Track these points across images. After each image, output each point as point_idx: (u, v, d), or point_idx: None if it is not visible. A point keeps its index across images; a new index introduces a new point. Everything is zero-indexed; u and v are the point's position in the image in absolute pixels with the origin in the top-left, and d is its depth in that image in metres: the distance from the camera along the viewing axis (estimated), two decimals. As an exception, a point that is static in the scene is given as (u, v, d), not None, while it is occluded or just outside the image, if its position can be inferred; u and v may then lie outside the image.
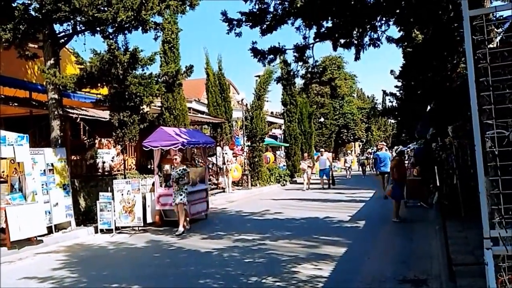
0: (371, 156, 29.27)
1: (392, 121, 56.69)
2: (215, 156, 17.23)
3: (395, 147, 9.65)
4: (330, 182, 18.76)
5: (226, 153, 17.20)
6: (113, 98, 9.38)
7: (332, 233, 8.26)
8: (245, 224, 9.82)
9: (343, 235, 8.04)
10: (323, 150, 19.94)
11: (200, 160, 16.46)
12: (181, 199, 8.99)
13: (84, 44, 10.97)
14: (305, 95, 29.34)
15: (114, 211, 9.21)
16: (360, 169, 27.59)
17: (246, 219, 10.67)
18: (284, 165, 24.50)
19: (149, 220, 9.71)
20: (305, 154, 20.32)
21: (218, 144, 17.15)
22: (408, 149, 16.69)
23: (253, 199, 15.83)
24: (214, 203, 13.94)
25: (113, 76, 8.85)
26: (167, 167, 11.66)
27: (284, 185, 21.40)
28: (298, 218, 10.28)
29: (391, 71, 19.06)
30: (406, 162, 16.65)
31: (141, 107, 9.84)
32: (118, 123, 9.63)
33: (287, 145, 24.65)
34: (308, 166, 18.57)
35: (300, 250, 6.91)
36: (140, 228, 9.37)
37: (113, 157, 12.09)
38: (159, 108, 13.69)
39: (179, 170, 9.07)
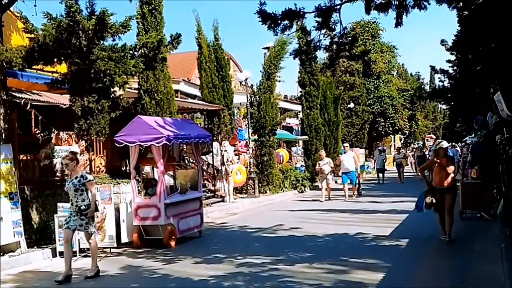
0: (415, 154, 28.95)
1: (443, 106, 56.69)
2: (211, 154, 17.19)
3: (437, 141, 9.37)
4: (356, 190, 17.99)
5: (225, 151, 17.18)
6: (74, 78, 9.34)
7: (365, 254, 8.23)
8: (251, 244, 9.80)
9: (380, 256, 8.01)
10: (347, 146, 19.22)
11: (191, 160, 16.47)
12: (87, 229, 7.63)
13: (35, 6, 10.81)
14: (329, 73, 29.20)
15: (78, 227, 9.17)
16: (397, 171, 26.19)
17: (252, 236, 10.68)
18: (302, 166, 24.45)
19: (124, 239, 9.74)
20: (321, 152, 18.77)
21: (215, 138, 17.12)
22: (459, 145, 16.54)
23: (262, 210, 15.85)
24: (210, 216, 13.97)
25: (74, 49, 8.81)
26: (147, 169, 11.65)
27: (302, 191, 21.37)
28: (321, 234, 10.29)
29: (442, 41, 18.86)
30: (460, 159, 16.52)
31: (112, 90, 9.78)
32: (82, 111, 9.59)
33: (306, 139, 24.56)
34: (325, 168, 17.49)
35: (324, 277, 6.88)
36: (112, 249, 9.37)
37: (76, 157, 11.97)
38: (136, 91, 13.66)
39: (75, 180, 7.66)
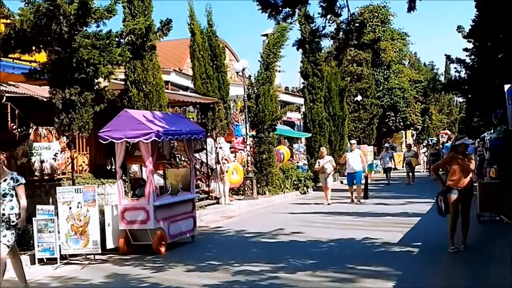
0: (428, 151, 28.77)
1: (460, 99, 56.69)
2: (205, 152, 17.19)
3: (458, 136, 9.18)
4: (363, 193, 17.34)
5: (220, 148, 17.18)
6: (54, 68, 9.32)
7: (374, 260, 8.22)
8: (249, 250, 9.81)
9: (389, 263, 8.01)
10: (354, 143, 18.47)
11: (183, 158, 16.44)
12: (9, 241, 7.03)
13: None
14: (334, 63, 29.18)
15: (59, 232, 9.21)
16: (406, 170, 25.56)
17: (250, 242, 10.68)
18: (304, 165, 24.45)
19: (110, 245, 9.74)
20: (322, 149, 18.14)
21: (209, 134, 17.10)
22: (477, 143, 16.46)
23: (261, 213, 15.88)
24: (204, 219, 13.98)
25: (54, 36, 8.79)
26: (135, 168, 11.64)
27: (304, 193, 21.40)
28: (325, 240, 10.30)
29: (459, 28, 18.84)
30: (476, 157, 16.48)
31: (96, 81, 9.77)
32: (63, 104, 9.58)
33: (309, 135, 24.58)
34: (328, 167, 16.92)
35: (328, 286, 6.88)
36: (97, 256, 9.37)
37: (56, 154, 12.06)
38: (123, 83, 13.65)
39: (4, 182, 7.15)
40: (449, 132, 66.22)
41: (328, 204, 16.49)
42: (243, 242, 10.64)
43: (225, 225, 13.24)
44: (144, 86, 13.41)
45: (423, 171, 33.29)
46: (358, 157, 17.22)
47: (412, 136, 54.03)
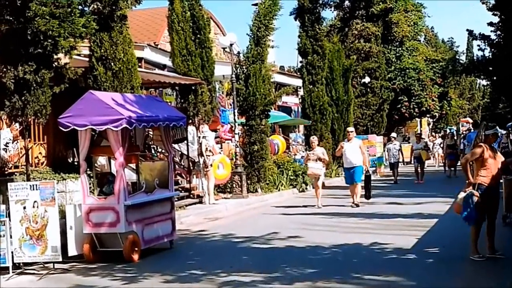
0: (444, 142, 28.48)
1: (483, 82, 57.06)
2: (185, 142, 17.13)
3: (487, 124, 9.07)
4: (365, 193, 16.46)
5: (204, 137, 17.16)
6: (5, 42, 9.24)
7: (384, 269, 8.24)
8: (238, 257, 9.81)
9: (402, 272, 8.02)
10: (352, 130, 17.00)
11: (160, 150, 16.35)
12: None
13: None
14: (337, 38, 29.17)
15: (11, 236, 9.14)
16: (414, 166, 24.63)
17: (239, 248, 10.68)
18: (303, 157, 24.46)
19: (72, 251, 9.70)
20: (313, 139, 17.08)
21: (190, 121, 17.04)
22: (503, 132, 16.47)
23: (252, 214, 15.87)
24: (185, 221, 13.97)
25: (5, 2, 8.65)
26: (102, 160, 11.57)
27: (303, 190, 21.44)
28: (327, 245, 10.30)
29: (483, -2, 18.91)
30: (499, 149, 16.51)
31: (56, 57, 9.67)
32: (15, 84, 9.51)
33: (308, 123, 24.57)
34: (318, 161, 16.11)
35: (331, 301, 6.89)
36: (57, 265, 9.30)
37: (6, 144, 12.00)
38: (87, 59, 13.56)
39: None
40: (470, 120, 66.93)
41: (319, 207, 15.95)
42: (231, 248, 10.62)
43: (210, 228, 13.23)
44: (112, 64, 13.33)
45: (437, 165, 33.27)
46: (357, 148, 16.13)
47: (428, 124, 54.33)
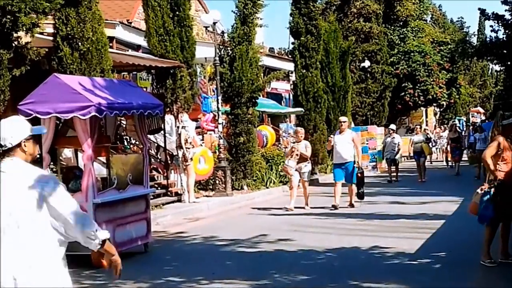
0: (447, 135, 28.31)
1: (496, 67, 57.19)
2: (162, 133, 17.07)
3: (499, 114, 9.07)
4: (356, 193, 15.87)
5: (184, 127, 17.10)
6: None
7: (385, 276, 8.27)
8: (221, 262, 9.81)
9: (405, 279, 8.06)
10: (344, 121, 16.50)
11: (133, 141, 16.28)
12: None
13: None
14: (333, 17, 29.15)
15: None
16: (415, 162, 24.34)
17: (223, 252, 10.69)
18: (294, 150, 24.47)
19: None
20: (299, 129, 16.88)
21: (168, 109, 16.97)
22: None
23: (237, 214, 15.89)
24: (162, 222, 13.95)
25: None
26: (68, 153, 11.49)
27: (295, 187, 21.44)
28: (322, 249, 10.33)
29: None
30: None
31: (15, 35, 9.57)
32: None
33: (301, 112, 24.56)
34: (297, 157, 15.65)
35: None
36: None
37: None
38: (52, 38, 13.47)
39: None
40: (481, 110, 67.20)
41: (287, 209, 15.60)
42: (214, 253, 10.62)
43: (190, 229, 13.21)
44: (80, 44, 13.28)
45: (437, 158, 33.12)
46: (350, 141, 15.72)
47: (435, 114, 54.51)
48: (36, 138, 4.15)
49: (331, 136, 16.70)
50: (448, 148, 28.42)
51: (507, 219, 8.79)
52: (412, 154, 25.29)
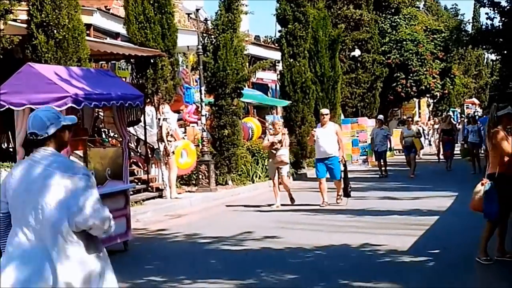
0: (439, 127, 28.07)
1: (492, 57, 57.44)
2: (143, 125, 17.03)
3: (494, 106, 9.10)
4: (342, 190, 15.57)
5: (165, 120, 17.08)
6: None
7: (376, 275, 8.30)
8: (205, 261, 9.80)
9: (397, 278, 8.09)
10: (326, 113, 16.17)
11: (112, 134, 16.21)
12: None
13: None
14: (322, 3, 29.09)
15: None
16: (405, 157, 24.21)
17: (206, 250, 10.69)
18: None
19: (7, 254, 9.54)
20: (277, 121, 17.02)
21: (149, 100, 16.93)
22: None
23: (221, 211, 15.91)
24: (142, 219, 13.98)
25: None
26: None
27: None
28: (310, 247, 10.34)
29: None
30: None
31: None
32: None
33: (288, 103, 24.56)
34: (275, 148, 15.42)
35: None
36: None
37: None
38: (25, 26, 13.38)
39: None
40: (476, 101, 67.45)
41: (272, 205, 15.62)
42: (197, 251, 10.59)
43: (172, 227, 13.20)
44: (55, 31, 13.24)
45: (427, 149, 32.86)
46: (333, 134, 15.48)
47: (428, 106, 54.68)
48: (68, 128, 4.32)
49: (314, 129, 16.54)
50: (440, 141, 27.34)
51: (506, 214, 8.85)
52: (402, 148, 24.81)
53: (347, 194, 15.52)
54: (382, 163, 23.52)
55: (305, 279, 8.30)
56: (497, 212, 8.60)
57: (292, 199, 15.85)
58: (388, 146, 23.93)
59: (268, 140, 15.91)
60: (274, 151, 15.56)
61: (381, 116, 25.77)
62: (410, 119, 27.37)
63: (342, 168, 15.56)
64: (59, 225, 4.08)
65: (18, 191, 4.19)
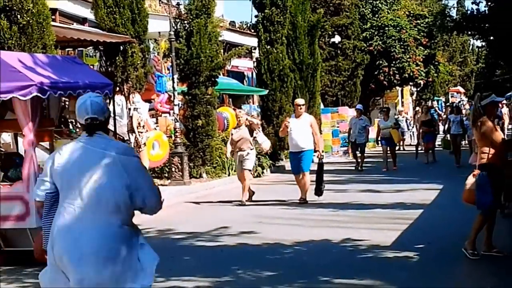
0: (419, 118, 27.47)
1: (478, 43, 57.95)
2: (112, 115, 16.96)
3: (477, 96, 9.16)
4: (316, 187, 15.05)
5: (136, 109, 17.05)
6: None
7: (358, 271, 8.34)
8: (179, 258, 9.83)
9: (380, 275, 8.14)
10: (301, 102, 15.80)
11: (79, 125, 16.10)
12: None
13: None
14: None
15: None
16: (382, 150, 23.38)
17: (180, 246, 10.76)
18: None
19: (-31, 251, 9.55)
20: (240, 113, 16.70)
21: (119, 89, 16.86)
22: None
23: (196, 205, 15.98)
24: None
25: None
26: (6, 137, 11.38)
27: (259, 175, 21.51)
28: (289, 242, 10.37)
29: None
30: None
31: None
32: None
33: (265, 92, 24.58)
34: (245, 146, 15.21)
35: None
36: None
37: None
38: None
39: None
40: (462, 90, 67.96)
41: (244, 203, 15.20)
42: (170, 247, 10.60)
43: (143, 222, 12.94)
44: (19, 16, 13.07)
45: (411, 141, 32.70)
46: (308, 126, 15.02)
47: (412, 94, 54.97)
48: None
49: (287, 120, 15.76)
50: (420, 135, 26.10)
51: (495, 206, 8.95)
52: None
53: (318, 193, 15.06)
54: (359, 156, 23.07)
55: (284, 276, 8.32)
56: (491, 203, 8.70)
57: (250, 194, 15.57)
58: (366, 137, 23.51)
59: (232, 138, 15.69)
60: (237, 150, 15.46)
61: (359, 106, 25.31)
62: (385, 109, 26.16)
63: (316, 162, 15.19)
64: (115, 203, 4.71)
65: (72, 173, 4.71)
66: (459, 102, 54.06)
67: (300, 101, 16.13)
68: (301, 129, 14.99)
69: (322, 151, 15.57)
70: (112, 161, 4.70)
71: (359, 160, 23.06)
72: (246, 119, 15.64)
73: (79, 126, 16.10)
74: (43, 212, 5.00)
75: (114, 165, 4.70)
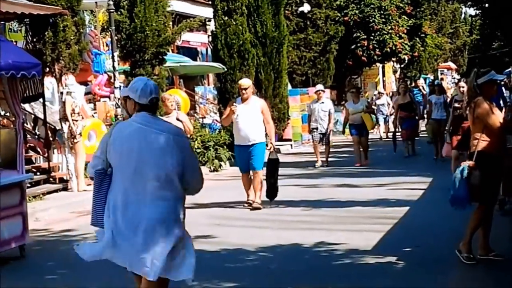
0: (396, 101, 26.15)
1: (471, 11, 58.35)
2: (41, 100, 16.85)
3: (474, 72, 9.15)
4: (266, 188, 14.33)
5: (69, 93, 16.96)
6: None
7: (334, 280, 8.41)
8: (123, 269, 9.64)
9: (359, 284, 8.23)
10: (247, 84, 14.41)
11: (3, 112, 15.99)
12: None
13: None
14: None
15: None
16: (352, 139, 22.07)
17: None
18: (215, 122, 24.56)
19: None
20: (166, 97, 13.85)
21: (49, 70, 16.75)
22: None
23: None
24: (43, 217, 13.98)
25: None
26: None
27: (216, 169, 21.49)
28: (254, 247, 10.42)
29: None
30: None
31: None
32: None
33: (223, 70, 24.59)
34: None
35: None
36: None
37: None
38: None
39: None
40: (453, 66, 68.37)
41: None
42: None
43: (80, 227, 13.02)
44: None
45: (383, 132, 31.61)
46: (258, 113, 14.19)
47: (395, 72, 55.24)
48: None
49: (234, 104, 14.49)
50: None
51: (491, 203, 9.01)
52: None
53: (271, 195, 14.30)
54: (322, 149, 22.04)
55: (248, 286, 8.36)
56: (469, 200, 8.71)
57: None
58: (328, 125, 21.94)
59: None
60: None
61: (320, 86, 23.83)
62: (354, 90, 24.47)
63: (269, 158, 14.27)
64: (170, 180, 5.95)
65: (129, 150, 5.94)
66: (453, 81, 54.27)
67: (244, 82, 14.85)
68: (250, 117, 14.08)
69: (272, 144, 14.54)
70: (165, 140, 5.90)
71: (323, 156, 21.86)
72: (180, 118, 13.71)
73: (2, 114, 16.04)
74: (94, 189, 6.26)
75: (167, 145, 5.91)
